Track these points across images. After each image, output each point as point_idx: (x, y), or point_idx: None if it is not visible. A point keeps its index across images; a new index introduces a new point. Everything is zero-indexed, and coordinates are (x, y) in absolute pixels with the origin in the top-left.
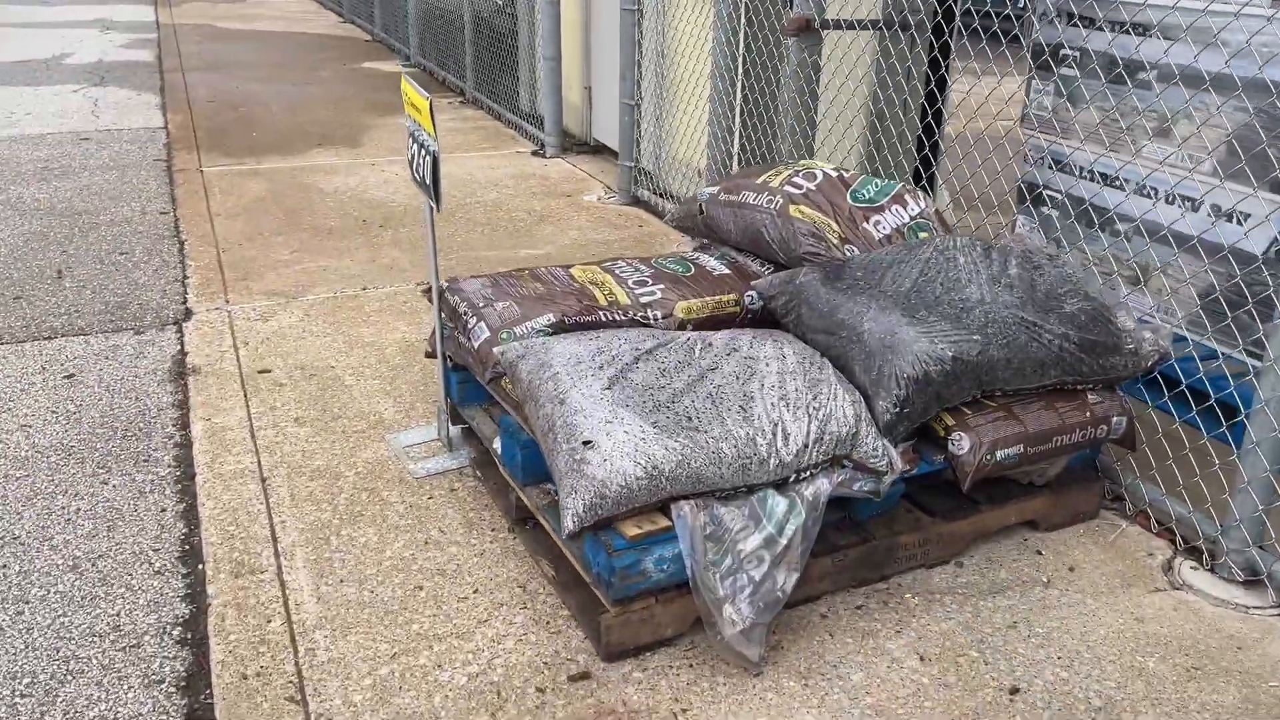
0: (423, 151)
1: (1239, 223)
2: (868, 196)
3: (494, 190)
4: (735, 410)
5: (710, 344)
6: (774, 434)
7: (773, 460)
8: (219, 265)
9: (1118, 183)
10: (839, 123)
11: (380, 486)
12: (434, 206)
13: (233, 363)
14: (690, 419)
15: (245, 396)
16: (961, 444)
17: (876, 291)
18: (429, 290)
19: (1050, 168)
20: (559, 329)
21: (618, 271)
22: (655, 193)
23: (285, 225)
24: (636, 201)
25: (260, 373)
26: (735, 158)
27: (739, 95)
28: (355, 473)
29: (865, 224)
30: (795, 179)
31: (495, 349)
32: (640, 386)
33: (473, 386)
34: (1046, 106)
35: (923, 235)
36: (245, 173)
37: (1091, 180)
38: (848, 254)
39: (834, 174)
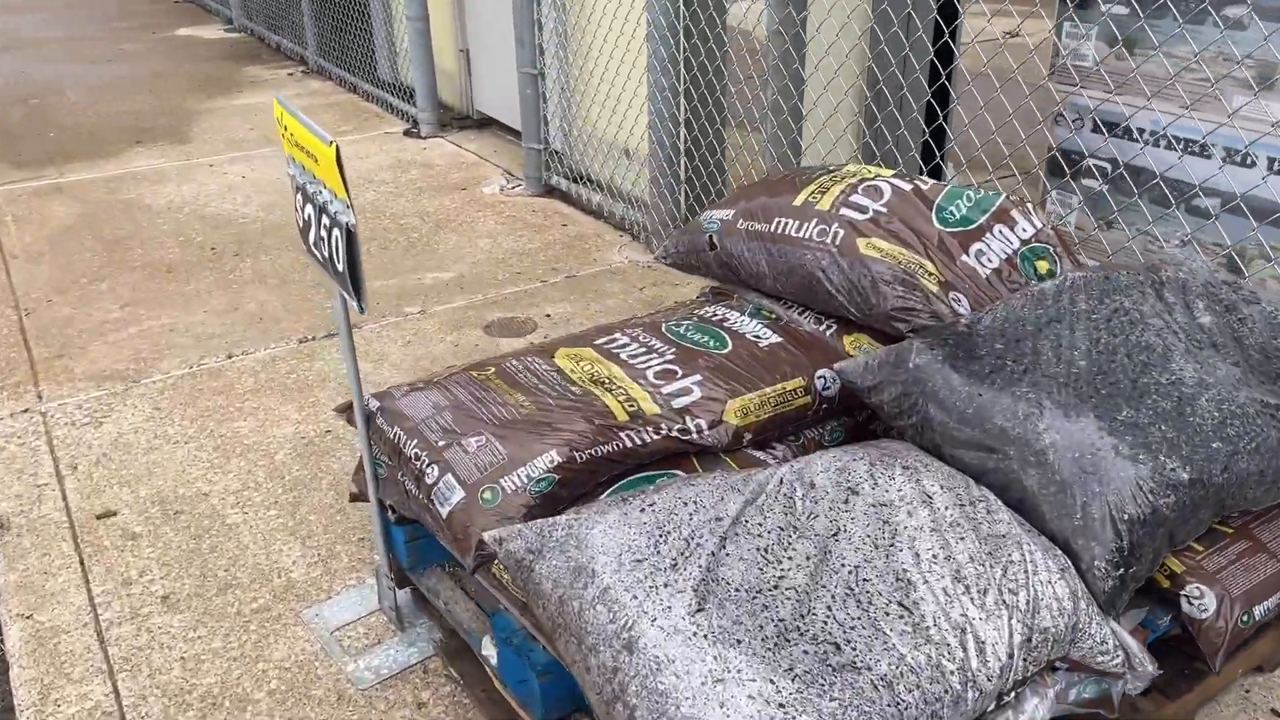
0: (326, 221)
1: None
2: (960, 215)
3: (369, 188)
4: (895, 615)
5: (812, 485)
6: (963, 648)
7: (970, 694)
8: (22, 337)
9: (1202, 149)
10: (829, 92)
11: (312, 716)
12: (354, 304)
13: (57, 503)
14: (837, 646)
15: (82, 564)
16: (1204, 603)
17: (1039, 376)
18: (348, 410)
19: (1100, 131)
20: (569, 472)
21: (624, 355)
22: (571, 178)
23: (108, 264)
24: (550, 191)
25: (101, 518)
26: (683, 142)
27: (682, 61)
28: (269, 693)
29: (965, 256)
30: (853, 197)
31: (486, 533)
32: (743, 593)
33: (428, 544)
34: (1088, 54)
35: (1041, 265)
36: (45, 190)
37: (1160, 146)
38: (955, 306)
39: (905, 186)
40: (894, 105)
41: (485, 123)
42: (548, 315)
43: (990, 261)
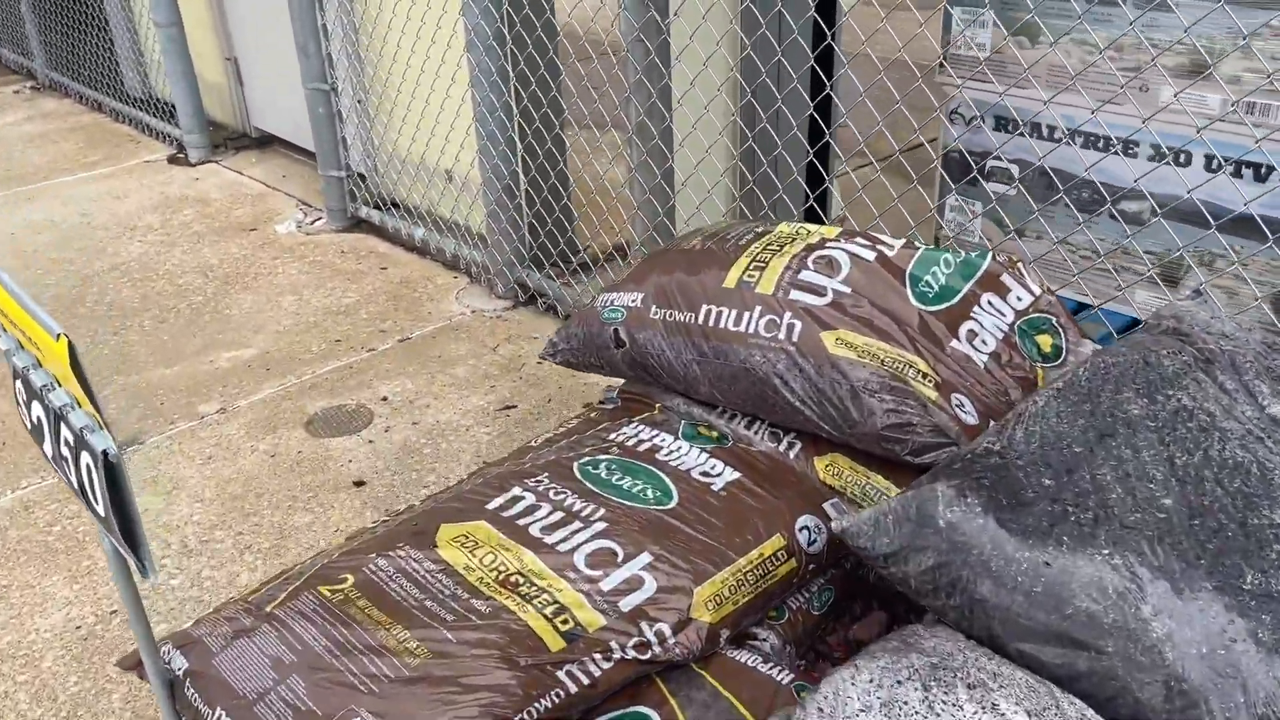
0: (68, 436)
1: None
2: (939, 287)
3: (133, 239)
4: None
5: None
6: None
7: None
8: None
9: (1127, 148)
10: (691, 105)
11: None
12: (132, 564)
13: None
14: None
15: None
16: None
17: (1117, 527)
18: (138, 666)
19: (1007, 128)
20: None
21: (534, 529)
22: (382, 206)
23: None
24: (358, 224)
25: None
26: (522, 167)
27: (515, 75)
28: None
29: (956, 341)
30: (803, 274)
31: None
32: None
33: None
34: (985, 42)
35: (1043, 340)
36: None
37: (1077, 144)
38: (960, 413)
39: (866, 253)
40: (767, 121)
41: (266, 140)
42: (384, 399)
43: (985, 344)
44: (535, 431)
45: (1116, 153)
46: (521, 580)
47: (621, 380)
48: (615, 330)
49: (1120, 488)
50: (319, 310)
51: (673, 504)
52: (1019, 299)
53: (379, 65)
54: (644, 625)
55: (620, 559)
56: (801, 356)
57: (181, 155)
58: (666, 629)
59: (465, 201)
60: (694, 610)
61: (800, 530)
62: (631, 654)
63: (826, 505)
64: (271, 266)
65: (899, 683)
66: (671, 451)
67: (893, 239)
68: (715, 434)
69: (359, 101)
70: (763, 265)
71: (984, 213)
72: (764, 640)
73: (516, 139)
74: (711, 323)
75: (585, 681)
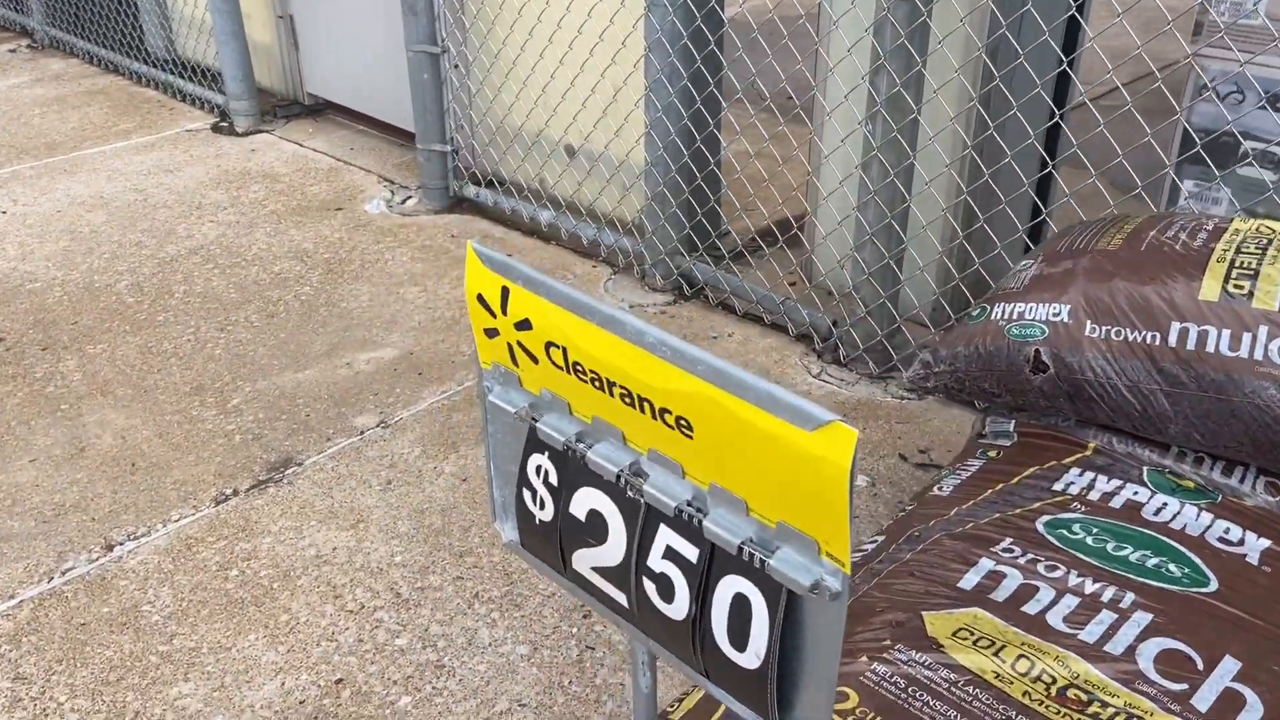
0: (700, 579)
1: None
2: None
3: (205, 218)
4: None
5: None
6: None
7: None
8: None
9: None
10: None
11: None
12: None
13: None
14: None
15: None
16: None
17: None
18: None
19: (1261, 104)
20: None
21: (1049, 615)
22: (485, 182)
23: None
24: (459, 204)
25: None
26: (688, 143)
27: (689, 33)
28: None
29: None
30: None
31: None
32: None
33: None
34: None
35: None
36: None
37: None
38: None
39: None
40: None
41: (318, 109)
42: None
43: None
44: None
45: None
46: (1085, 697)
47: (988, 409)
48: (1035, 351)
49: None
50: (451, 303)
51: (1213, 585)
52: None
53: (495, 25)
54: None
55: (1200, 665)
56: None
57: (225, 124)
58: None
59: (596, 181)
60: None
61: None
62: None
63: None
64: (376, 253)
65: None
66: (1160, 510)
67: None
68: (1192, 484)
69: (456, 67)
70: (1251, 273)
71: (1232, 199)
72: None
73: (685, 113)
74: (1191, 345)
75: None
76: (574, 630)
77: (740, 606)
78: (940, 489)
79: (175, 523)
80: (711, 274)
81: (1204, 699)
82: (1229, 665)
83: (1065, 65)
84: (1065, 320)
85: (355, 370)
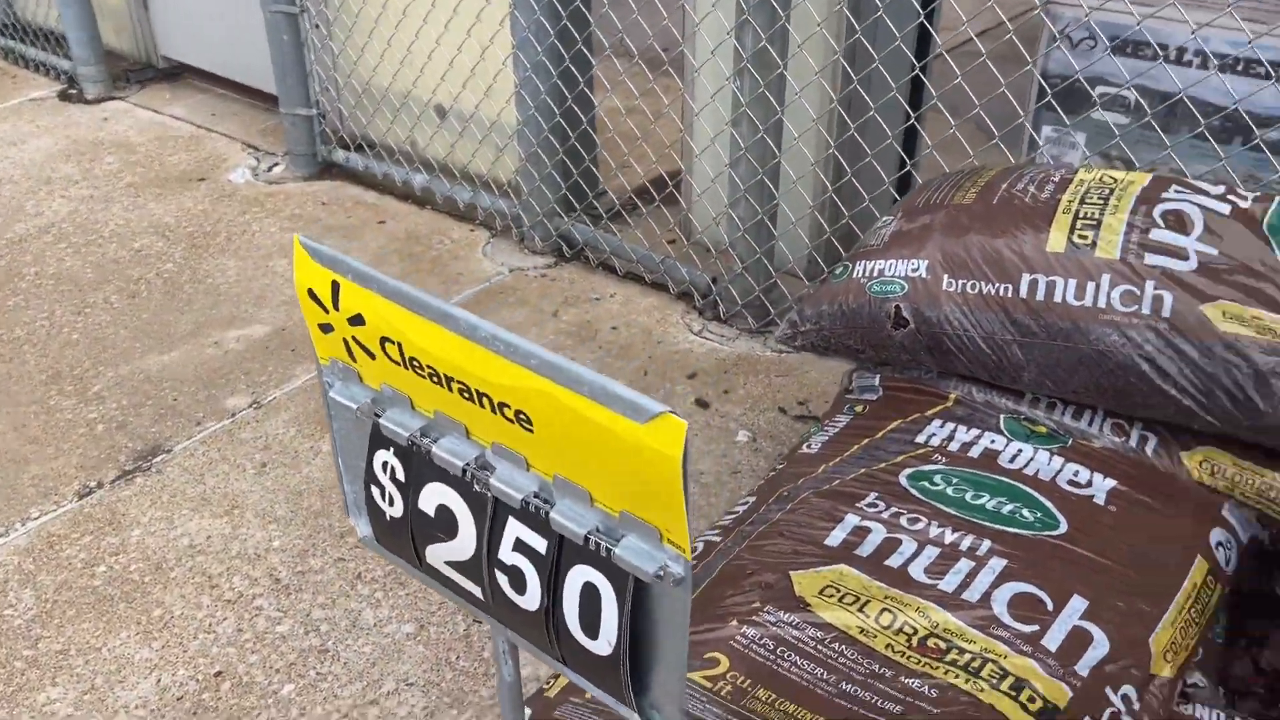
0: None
1: None
2: None
3: (55, 193)
4: None
5: None
6: None
7: None
8: None
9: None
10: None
11: None
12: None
13: None
14: None
15: None
16: None
17: None
18: None
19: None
20: None
21: (910, 567)
22: (355, 146)
23: None
24: (330, 169)
25: None
26: (560, 101)
27: None
28: None
29: None
30: (1153, 233)
31: None
32: None
33: None
34: None
35: None
36: None
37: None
38: None
39: (1218, 205)
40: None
41: (174, 73)
42: None
43: None
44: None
45: (1263, 76)
46: (945, 645)
47: (864, 371)
48: (895, 307)
49: None
50: None
51: (1062, 528)
52: None
53: None
54: (1109, 691)
55: (1050, 606)
56: (1179, 335)
57: (74, 91)
58: (1133, 692)
59: (469, 142)
60: (1155, 666)
61: (1217, 548)
62: None
63: (1224, 513)
64: (243, 224)
65: None
66: (1015, 457)
67: (1239, 187)
68: (1044, 430)
69: (316, 26)
70: (1094, 223)
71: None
72: (1201, 688)
73: (558, 78)
74: (1040, 296)
75: None
76: None
77: (590, 595)
78: (809, 446)
79: (35, 520)
80: (591, 234)
81: (1054, 639)
82: (1077, 604)
83: (923, 17)
84: (923, 276)
85: (224, 350)
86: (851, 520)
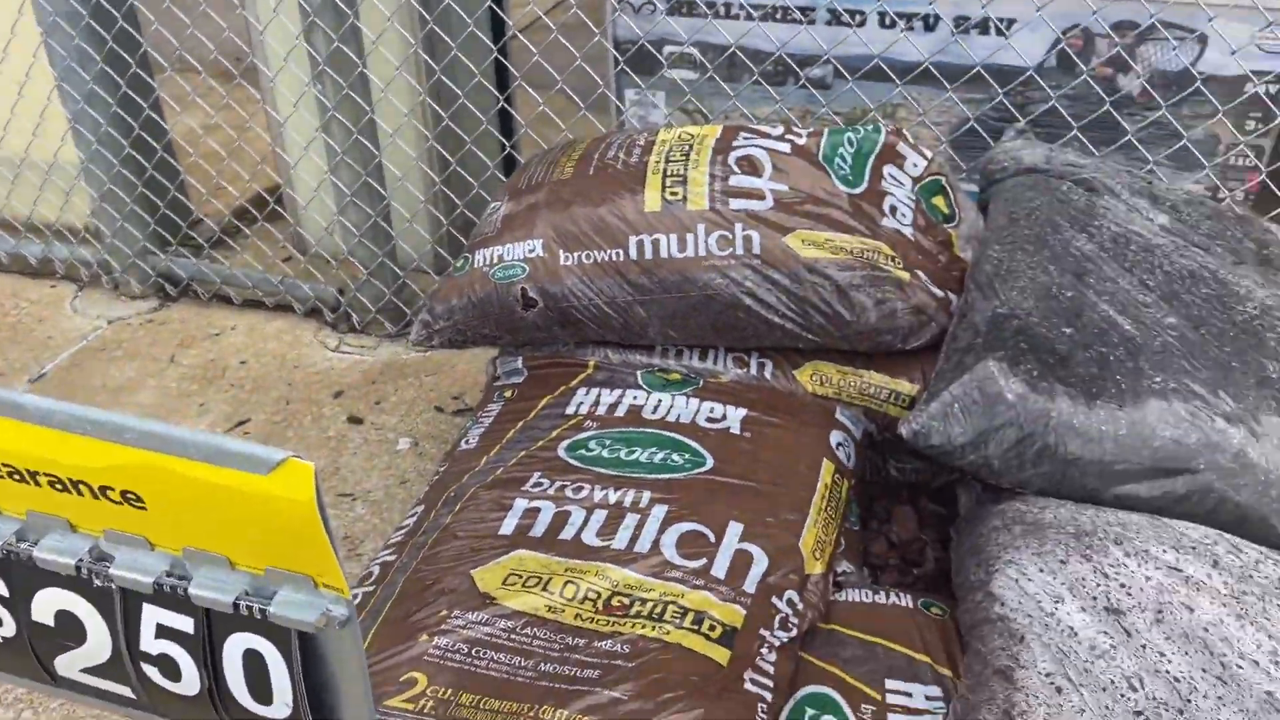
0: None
1: (1000, 33)
2: (850, 167)
3: None
4: None
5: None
6: None
7: None
8: None
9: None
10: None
11: None
12: None
13: None
14: None
15: None
16: None
17: (1152, 356)
18: None
19: (681, 11)
20: None
21: (584, 534)
22: None
23: None
24: None
25: None
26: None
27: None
28: None
29: (886, 219)
30: (732, 179)
31: None
32: None
33: None
34: None
35: (938, 202)
36: None
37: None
38: (931, 289)
39: (780, 145)
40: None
41: None
42: None
43: (905, 216)
44: (289, 443)
45: (798, 21)
46: (628, 600)
47: (506, 357)
48: (522, 289)
49: (1127, 319)
50: None
51: (709, 463)
52: (915, 166)
53: None
54: (776, 600)
55: (712, 539)
56: (770, 267)
57: None
58: (795, 595)
59: (27, 189)
60: (807, 565)
61: (838, 448)
62: (780, 635)
63: (838, 416)
64: None
65: (1062, 562)
66: (656, 408)
67: (796, 125)
68: (678, 376)
69: None
70: (681, 179)
71: (666, 102)
72: (849, 574)
73: (118, 105)
74: (649, 254)
75: (770, 685)
76: None
77: (255, 662)
78: (468, 442)
79: None
80: (195, 268)
81: (720, 566)
82: (734, 530)
83: (490, 1)
84: (541, 254)
85: None
86: (521, 504)
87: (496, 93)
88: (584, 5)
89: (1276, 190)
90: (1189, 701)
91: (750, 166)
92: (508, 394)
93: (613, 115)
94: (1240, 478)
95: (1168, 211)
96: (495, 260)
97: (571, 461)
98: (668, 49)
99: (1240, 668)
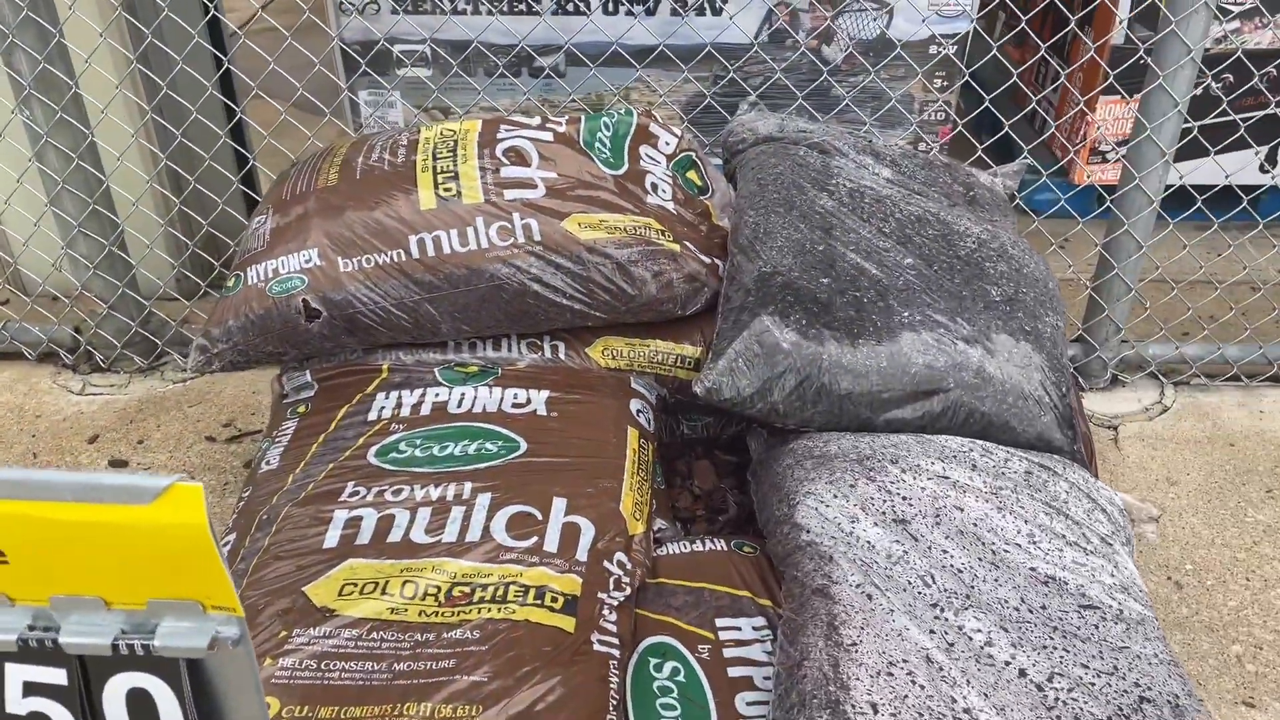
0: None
1: (716, 13)
2: (610, 150)
3: None
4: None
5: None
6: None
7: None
8: None
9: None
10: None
11: None
12: None
13: None
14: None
15: None
16: None
17: (898, 294)
18: None
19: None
20: None
21: (412, 533)
22: None
23: None
24: None
25: None
26: None
27: None
28: None
29: (650, 196)
30: (504, 171)
31: None
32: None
33: None
34: None
35: (692, 176)
36: None
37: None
38: (700, 255)
39: (543, 134)
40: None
41: None
42: None
43: (665, 192)
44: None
45: (524, 13)
46: (469, 589)
47: (292, 371)
48: (303, 301)
49: (872, 263)
50: None
51: (523, 447)
52: (667, 144)
53: None
54: (607, 564)
55: (540, 517)
56: (553, 252)
57: None
58: (624, 556)
59: None
60: (630, 527)
61: (638, 415)
62: (617, 596)
63: (634, 385)
64: None
65: (852, 486)
66: (460, 402)
67: (551, 115)
68: (475, 368)
69: None
70: (452, 174)
71: (405, 99)
72: (664, 530)
73: None
74: (431, 252)
75: (616, 643)
76: None
77: (141, 701)
78: (268, 463)
79: None
80: None
81: (551, 541)
82: (559, 505)
83: (212, 6)
84: (318, 263)
85: None
86: (341, 515)
87: (230, 103)
88: (307, 8)
89: (970, 138)
90: (973, 588)
91: (518, 157)
92: (301, 409)
93: (349, 118)
94: (982, 390)
95: (889, 165)
96: (270, 275)
97: (385, 466)
98: (401, 47)
99: (1008, 551)
